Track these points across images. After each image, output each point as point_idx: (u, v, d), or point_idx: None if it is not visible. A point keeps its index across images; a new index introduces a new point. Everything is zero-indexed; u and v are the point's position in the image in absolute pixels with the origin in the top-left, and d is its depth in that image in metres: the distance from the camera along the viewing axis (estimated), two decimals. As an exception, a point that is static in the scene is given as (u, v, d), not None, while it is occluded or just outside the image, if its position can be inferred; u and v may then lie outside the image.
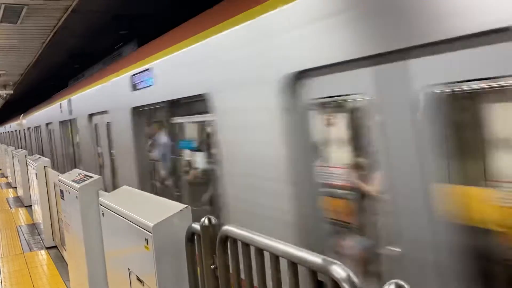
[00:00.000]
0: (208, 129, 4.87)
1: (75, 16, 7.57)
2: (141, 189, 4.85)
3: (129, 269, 3.28)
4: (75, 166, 10.73)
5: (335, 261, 1.65)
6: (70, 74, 13.20)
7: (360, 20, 2.56)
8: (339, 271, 1.59)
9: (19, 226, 10.35)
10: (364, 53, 2.52)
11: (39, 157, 9.35)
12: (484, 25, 1.92)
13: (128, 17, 8.09)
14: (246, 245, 2.17)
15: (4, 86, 17.94)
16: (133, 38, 7.59)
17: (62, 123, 11.88)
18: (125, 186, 4.21)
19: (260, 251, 2.06)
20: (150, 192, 4.69)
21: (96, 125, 8.64)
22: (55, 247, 8.15)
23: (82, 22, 8.16)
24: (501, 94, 2.12)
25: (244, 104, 3.63)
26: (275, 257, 1.95)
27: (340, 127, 3.15)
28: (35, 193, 9.32)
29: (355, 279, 1.56)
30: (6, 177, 19.71)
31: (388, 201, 2.55)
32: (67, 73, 13.44)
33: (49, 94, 14.76)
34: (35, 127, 17.27)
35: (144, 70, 5.72)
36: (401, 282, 1.41)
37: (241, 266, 2.23)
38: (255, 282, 2.12)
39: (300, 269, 1.82)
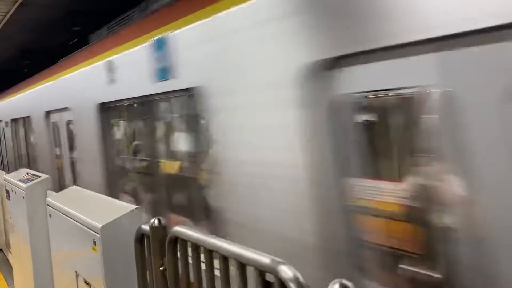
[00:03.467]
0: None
1: (25, 10, 7.31)
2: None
3: (76, 271, 3.18)
4: None
5: (282, 261, 1.65)
6: (21, 70, 12.78)
7: None
8: (286, 271, 1.60)
9: (-38, 228, 9.87)
10: None
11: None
12: None
13: (82, 13, 7.89)
14: (196, 246, 2.15)
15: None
16: (87, 34, 7.40)
17: None
18: (74, 186, 4.09)
19: (209, 252, 2.05)
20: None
21: None
22: (0, 250, 7.83)
23: (32, 16, 7.88)
24: None
25: None
26: (224, 258, 1.93)
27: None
28: (-20, 193, 8.92)
29: (301, 279, 1.57)
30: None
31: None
32: (18, 69, 13.00)
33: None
34: None
35: None
36: (345, 282, 1.43)
37: (190, 268, 2.21)
38: (204, 283, 2.10)
39: (249, 270, 1.82)
